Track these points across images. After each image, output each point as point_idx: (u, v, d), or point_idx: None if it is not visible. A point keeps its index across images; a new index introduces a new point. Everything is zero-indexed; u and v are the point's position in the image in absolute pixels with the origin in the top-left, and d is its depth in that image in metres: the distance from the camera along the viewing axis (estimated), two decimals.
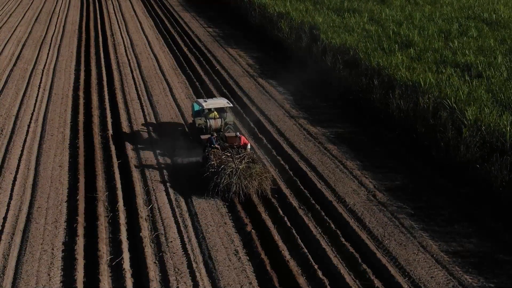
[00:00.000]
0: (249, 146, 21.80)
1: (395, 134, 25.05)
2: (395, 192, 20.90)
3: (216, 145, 21.25)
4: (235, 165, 20.15)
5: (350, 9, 41.85)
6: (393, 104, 25.53)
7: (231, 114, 25.36)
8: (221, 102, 24.49)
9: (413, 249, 17.39)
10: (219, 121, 23.80)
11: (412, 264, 16.62)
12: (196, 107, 24.74)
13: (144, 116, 28.24)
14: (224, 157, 20.53)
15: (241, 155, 20.72)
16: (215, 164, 20.27)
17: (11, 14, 55.69)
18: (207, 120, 23.69)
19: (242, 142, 21.82)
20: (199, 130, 23.71)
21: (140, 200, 19.94)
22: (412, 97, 25.01)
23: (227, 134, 22.70)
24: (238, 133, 22.61)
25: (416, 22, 36.96)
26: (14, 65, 37.14)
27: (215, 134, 22.25)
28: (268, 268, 16.28)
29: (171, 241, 17.68)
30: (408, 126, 24.49)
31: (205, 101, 24.31)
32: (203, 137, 22.90)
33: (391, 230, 18.40)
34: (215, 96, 29.20)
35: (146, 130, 26.39)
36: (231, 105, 25.06)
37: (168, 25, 51.44)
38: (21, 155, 23.49)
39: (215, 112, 24.03)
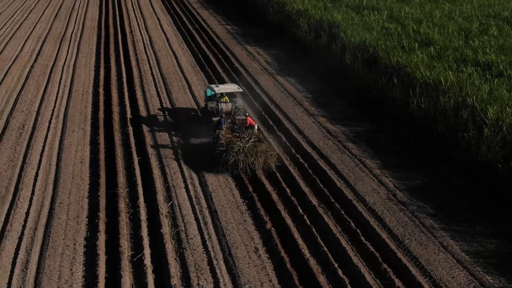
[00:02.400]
0: (256, 127, 23.31)
1: (415, 133, 24.91)
2: (416, 191, 20.82)
3: (223, 126, 22.58)
4: (242, 144, 21.68)
5: (369, 7, 41.73)
6: (413, 103, 25.40)
7: (241, 99, 26.93)
8: (232, 87, 26.42)
9: (434, 249, 17.32)
10: (229, 105, 25.47)
11: (433, 264, 16.56)
12: (209, 93, 26.50)
13: (164, 113, 28.36)
14: (233, 137, 22.03)
15: (248, 134, 22.21)
16: (224, 143, 21.75)
17: (31, 11, 56.22)
18: (219, 104, 25.30)
19: (248, 123, 23.34)
20: (211, 113, 25.41)
21: (160, 196, 20.07)
22: (432, 96, 24.88)
23: (236, 117, 24.07)
24: (246, 114, 24.13)
25: (436, 20, 36.79)
26: (35, 61, 37.49)
27: (224, 116, 23.73)
28: (288, 266, 16.32)
29: (192, 238, 17.77)
30: (429, 125, 24.34)
31: (217, 86, 26.33)
32: (214, 119, 24.45)
33: (411, 229, 18.34)
34: (226, 82, 31.37)
35: (166, 127, 26.50)
36: (241, 90, 26.86)
37: (187, 22, 51.60)
38: (43, 150, 23.72)
39: (226, 96, 25.62)
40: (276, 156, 22.57)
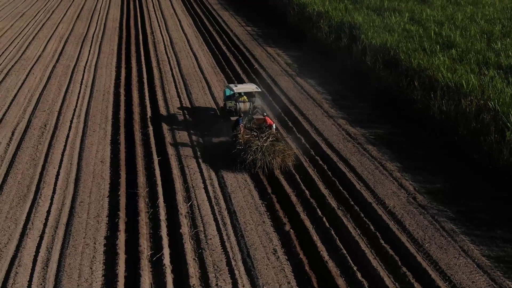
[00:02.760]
0: (274, 127, 23.62)
1: (436, 136, 24.74)
2: (436, 195, 20.67)
3: (241, 126, 22.90)
4: (260, 143, 21.95)
5: (390, 9, 41.51)
6: (434, 106, 25.23)
7: (260, 98, 26.85)
8: (250, 87, 26.46)
9: (454, 253, 17.18)
10: (248, 104, 25.52)
11: (453, 269, 16.43)
12: (228, 92, 26.60)
13: (184, 113, 28.50)
14: (251, 136, 22.34)
15: (266, 134, 22.50)
16: (242, 142, 22.04)
17: (53, 11, 56.83)
18: (237, 103, 25.44)
19: (266, 122, 23.66)
20: (229, 112, 25.63)
21: (180, 197, 20.17)
22: (454, 99, 24.69)
23: (255, 116, 24.18)
24: (264, 113, 24.39)
25: (458, 22, 36.44)
26: (57, 61, 37.89)
27: (242, 115, 24.05)
28: (307, 268, 16.29)
29: (210, 238, 17.83)
30: (450, 128, 24.17)
31: (236, 86, 26.49)
32: (232, 118, 24.87)
33: (431, 233, 18.21)
34: (244, 82, 31.57)
35: (185, 127, 26.62)
36: (260, 90, 26.82)
37: (207, 23, 51.79)
38: (64, 150, 23.96)
39: (244, 96, 25.75)
40: (293, 155, 22.76)
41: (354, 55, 34.36)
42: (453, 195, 20.66)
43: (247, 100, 25.80)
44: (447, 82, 25.94)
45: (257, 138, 22.35)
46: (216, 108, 28.92)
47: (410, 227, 18.48)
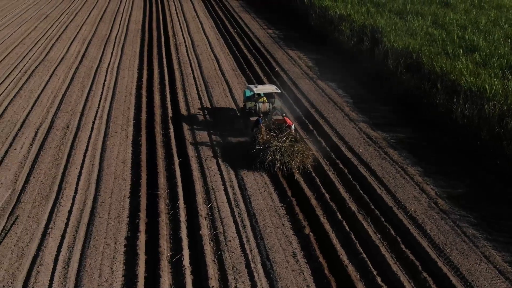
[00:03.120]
0: (293, 127, 23.95)
1: (458, 141, 24.49)
2: (458, 200, 20.46)
3: (261, 125, 23.21)
4: (279, 143, 22.21)
5: (413, 12, 41.23)
6: (457, 110, 25.00)
7: (279, 99, 27.25)
8: (270, 88, 26.92)
9: (476, 259, 16.99)
10: (267, 105, 26.10)
11: (474, 274, 16.25)
12: (247, 93, 27.11)
13: (204, 115, 28.59)
14: (270, 137, 22.67)
15: (285, 134, 22.72)
16: (261, 142, 22.35)
17: (77, 13, 57.42)
18: (257, 104, 25.85)
19: (285, 122, 23.89)
20: (249, 113, 25.96)
21: (200, 198, 20.23)
22: (476, 104, 24.43)
23: (274, 117, 24.57)
24: (283, 114, 25.00)
25: (481, 26, 36.09)
26: (80, 63, 38.27)
27: (261, 116, 24.42)
28: (326, 271, 16.22)
29: (230, 240, 17.85)
30: (472, 133, 23.92)
31: (256, 87, 26.86)
32: (252, 119, 25.13)
33: (453, 238, 18.03)
34: (264, 83, 32.27)
35: (206, 129, 26.71)
36: (279, 91, 27.22)
37: (229, 26, 51.93)
38: (86, 150, 24.19)
39: (264, 97, 26.11)
40: (312, 156, 22.92)
41: (375, 58, 34.19)
42: (475, 200, 20.44)
43: (266, 100, 26.09)
44: (470, 86, 25.69)
45: (276, 139, 22.55)
46: (236, 109, 28.98)
47: (431, 232, 18.32)
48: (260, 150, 22.29)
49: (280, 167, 21.97)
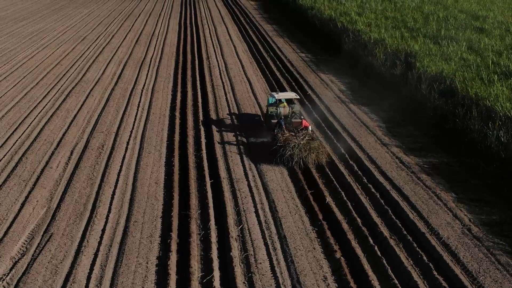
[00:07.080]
0: (310, 128, 26.83)
1: (493, 167, 24.15)
2: (492, 227, 20.14)
3: (284, 127, 26.43)
4: (297, 140, 24.99)
5: (447, 37, 41.05)
6: (492, 136, 24.70)
7: (298, 105, 29.79)
8: (290, 94, 30.11)
9: (509, 287, 16.65)
10: (287, 109, 28.74)
11: None
12: (270, 100, 29.75)
13: (237, 138, 28.78)
14: (289, 135, 25.62)
15: (303, 134, 25.65)
16: (282, 140, 25.27)
17: (113, 36, 58.61)
18: (277, 108, 28.80)
19: (303, 124, 27.05)
20: (270, 116, 28.95)
21: (231, 220, 20.31)
22: None
23: (293, 120, 27.53)
24: (302, 117, 28.21)
25: None
26: (116, 84, 38.98)
27: (282, 118, 27.55)
28: None
29: (260, 263, 17.85)
30: (508, 159, 23.57)
31: (277, 94, 29.96)
32: (273, 121, 28.27)
33: (486, 266, 17.73)
34: (285, 90, 36.22)
35: (238, 152, 26.87)
36: (299, 97, 30.65)
37: (262, 49, 52.38)
38: (120, 170, 24.54)
39: (285, 102, 29.08)
40: (326, 153, 25.56)
41: (409, 83, 34.05)
42: (509, 227, 20.09)
43: (286, 105, 28.82)
44: (505, 112, 25.39)
45: (294, 137, 25.31)
46: (269, 134, 29.08)
47: (464, 259, 18.04)
48: (280, 146, 25.09)
49: (297, 161, 24.60)
